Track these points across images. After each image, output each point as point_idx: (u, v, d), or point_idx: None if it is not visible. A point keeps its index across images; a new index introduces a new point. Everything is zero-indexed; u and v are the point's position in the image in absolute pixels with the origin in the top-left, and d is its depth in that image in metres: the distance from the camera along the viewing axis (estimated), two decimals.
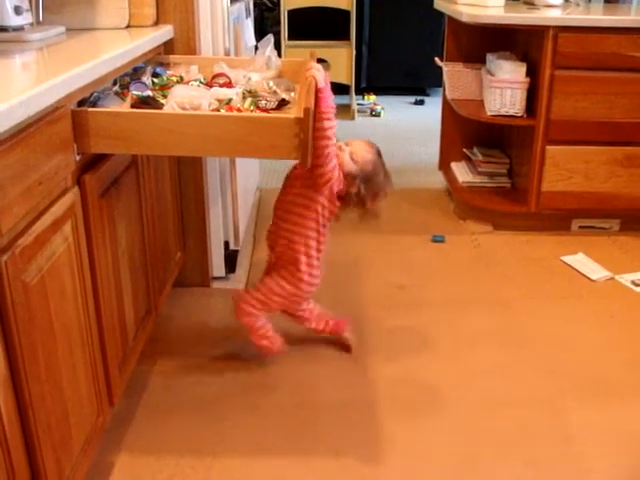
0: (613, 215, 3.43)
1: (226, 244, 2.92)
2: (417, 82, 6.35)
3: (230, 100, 1.90)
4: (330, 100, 2.02)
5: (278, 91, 2.07)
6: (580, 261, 3.15)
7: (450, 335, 2.57)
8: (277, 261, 2.26)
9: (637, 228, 3.44)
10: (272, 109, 1.93)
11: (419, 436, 2.08)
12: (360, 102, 6.05)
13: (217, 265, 2.90)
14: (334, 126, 2.03)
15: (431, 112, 5.59)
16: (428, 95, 6.39)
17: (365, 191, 2.16)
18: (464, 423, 2.14)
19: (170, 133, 1.67)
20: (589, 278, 3.01)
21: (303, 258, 2.19)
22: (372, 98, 6.15)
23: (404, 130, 5.44)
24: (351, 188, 2.15)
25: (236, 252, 2.99)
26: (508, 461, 1.99)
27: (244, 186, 3.14)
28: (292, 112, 1.89)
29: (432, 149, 4.28)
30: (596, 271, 3.06)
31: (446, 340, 2.54)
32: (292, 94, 2.08)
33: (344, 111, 5.84)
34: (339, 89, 5.83)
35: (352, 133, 5.24)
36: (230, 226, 2.94)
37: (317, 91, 1.96)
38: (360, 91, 6.18)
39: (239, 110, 1.88)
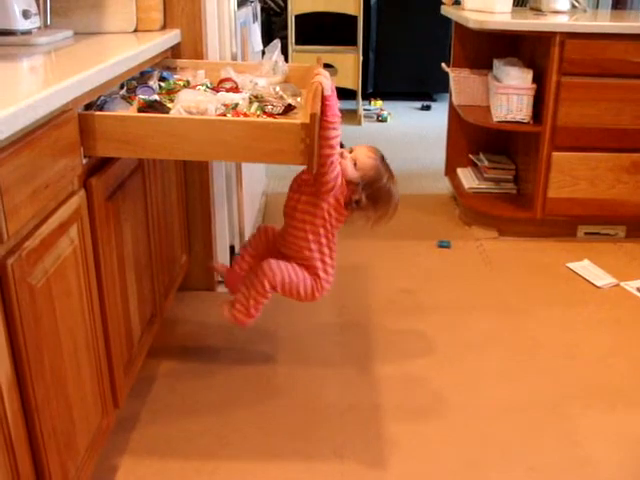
0: (619, 222, 3.43)
1: (231, 248, 2.92)
2: (424, 88, 6.35)
3: (236, 105, 1.91)
4: (336, 108, 2.03)
5: (284, 96, 2.07)
6: (585, 267, 3.15)
7: (455, 340, 2.57)
8: (288, 260, 2.25)
9: None
10: (278, 114, 1.94)
11: (423, 440, 2.08)
12: (367, 107, 6.06)
13: None
14: (339, 135, 2.03)
15: (437, 118, 5.59)
16: (435, 101, 6.40)
17: (368, 197, 2.16)
18: (469, 428, 2.14)
19: (176, 137, 1.68)
20: (594, 285, 3.01)
21: (319, 264, 2.19)
22: (379, 103, 6.16)
23: (410, 135, 5.45)
24: (354, 195, 2.15)
25: None
26: (513, 467, 1.99)
27: (250, 191, 3.15)
28: (298, 117, 1.90)
29: (438, 155, 4.29)
30: (601, 278, 3.05)
31: (451, 345, 2.54)
32: (298, 99, 2.09)
33: (351, 116, 5.85)
34: (346, 94, 5.84)
35: (358, 138, 5.25)
36: (236, 230, 2.94)
37: (324, 99, 1.97)
38: (367, 96, 6.20)
39: (245, 115, 1.88)
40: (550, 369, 2.43)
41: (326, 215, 2.15)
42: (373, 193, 2.16)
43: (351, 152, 2.18)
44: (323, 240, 2.18)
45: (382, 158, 2.22)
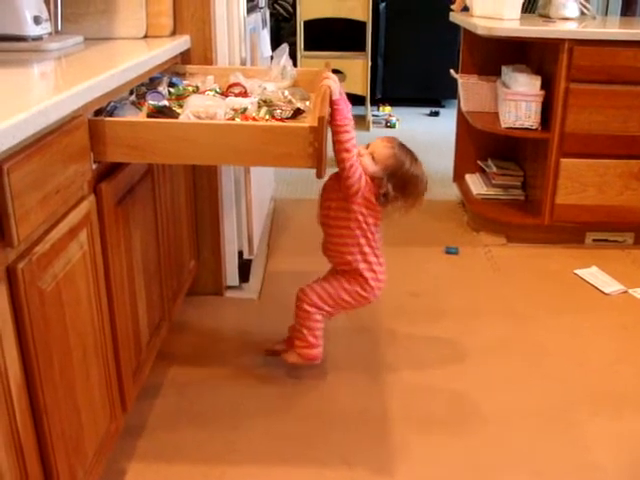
0: (627, 228, 3.42)
1: (240, 253, 2.93)
2: (432, 94, 6.36)
3: (245, 109, 1.92)
4: (346, 111, 2.04)
5: (293, 100, 2.08)
6: (594, 274, 3.14)
7: (463, 346, 2.57)
8: (338, 269, 2.28)
9: None
10: (287, 118, 1.95)
11: (431, 447, 2.08)
12: (375, 113, 6.07)
13: (231, 274, 2.91)
14: (352, 138, 2.04)
15: (446, 124, 5.59)
16: (443, 107, 6.40)
17: (395, 187, 2.16)
18: (477, 434, 2.14)
19: (186, 142, 1.69)
20: (602, 292, 3.00)
21: (362, 265, 2.21)
22: (387, 109, 6.16)
23: (419, 141, 5.39)
24: (380, 189, 2.15)
25: (250, 261, 3.00)
26: (520, 473, 1.98)
27: (259, 195, 3.16)
28: (307, 121, 1.91)
29: (447, 161, 4.29)
30: (609, 284, 3.05)
31: (459, 351, 2.54)
32: (307, 103, 2.10)
33: (359, 122, 5.84)
34: (354, 100, 5.82)
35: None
36: (244, 235, 2.95)
37: (332, 103, 1.98)
38: (375, 102, 6.20)
39: (254, 119, 1.89)
40: (558, 375, 2.43)
41: (359, 217, 2.17)
42: (398, 181, 2.16)
43: (368, 147, 2.18)
44: (362, 241, 2.20)
45: (400, 145, 2.23)
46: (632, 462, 2.03)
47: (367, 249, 2.20)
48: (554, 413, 2.24)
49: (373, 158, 2.16)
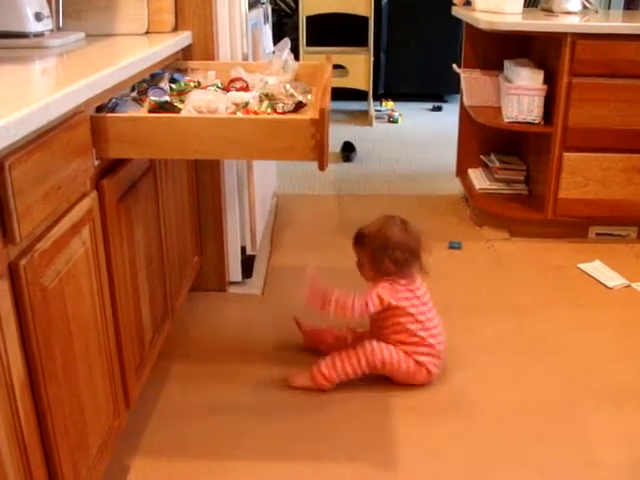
0: (630, 222, 3.42)
1: (243, 249, 2.93)
2: (435, 89, 6.34)
3: (247, 103, 1.91)
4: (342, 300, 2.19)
5: (295, 94, 2.07)
6: (597, 268, 3.14)
7: (466, 341, 2.56)
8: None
9: None
10: (289, 112, 1.94)
11: (434, 441, 2.08)
12: (378, 108, 6.06)
13: (234, 270, 2.91)
14: (345, 301, 2.18)
15: (448, 118, 5.59)
16: (446, 102, 6.39)
17: (392, 261, 2.21)
18: (480, 429, 2.13)
19: (187, 137, 1.69)
20: (606, 286, 3.00)
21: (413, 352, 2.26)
22: (390, 104, 6.15)
23: (421, 136, 5.45)
24: (387, 268, 2.22)
25: (253, 257, 3.00)
26: (523, 469, 1.98)
27: (261, 191, 3.15)
28: (308, 114, 1.90)
29: (449, 155, 4.28)
30: (613, 279, 3.04)
31: (462, 346, 2.53)
32: (309, 97, 2.09)
33: (362, 117, 5.86)
34: (357, 95, 5.85)
35: (369, 139, 5.28)
36: (247, 231, 2.95)
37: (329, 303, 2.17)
38: (378, 97, 6.19)
39: (256, 113, 1.89)
40: (560, 370, 2.42)
41: (398, 311, 2.24)
42: (393, 253, 2.21)
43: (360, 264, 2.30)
44: (403, 336, 2.26)
45: (381, 222, 2.28)
46: (633, 458, 2.03)
47: (415, 338, 2.27)
48: (556, 409, 2.23)
49: (360, 264, 2.28)
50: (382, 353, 2.23)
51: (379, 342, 2.25)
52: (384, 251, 2.21)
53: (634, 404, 2.26)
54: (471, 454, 2.04)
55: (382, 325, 2.28)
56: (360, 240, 2.26)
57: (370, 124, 5.74)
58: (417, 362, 2.24)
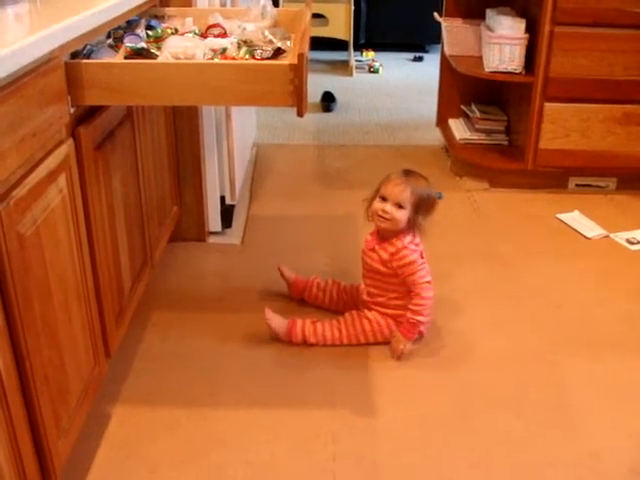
0: (610, 173, 3.43)
1: (222, 199, 2.92)
2: (416, 39, 6.29)
3: (225, 49, 1.88)
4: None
5: (274, 40, 2.04)
6: (576, 219, 3.16)
7: (446, 289, 2.57)
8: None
9: (633, 187, 3.43)
10: (268, 58, 1.91)
11: (413, 388, 2.11)
12: (358, 58, 6.00)
13: (213, 220, 2.90)
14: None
15: (429, 69, 5.56)
16: (427, 52, 6.34)
17: (424, 214, 2.24)
18: (458, 376, 2.16)
19: (164, 83, 1.66)
20: (584, 236, 3.02)
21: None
22: (370, 55, 6.09)
23: (402, 87, 5.41)
24: (416, 227, 2.25)
25: (232, 207, 2.99)
26: (500, 413, 2.01)
27: (241, 141, 3.13)
28: (287, 60, 1.88)
29: (430, 106, 4.26)
30: (591, 229, 3.07)
31: (441, 294, 2.54)
32: (288, 43, 2.06)
33: (342, 67, 5.81)
34: (337, 45, 5.79)
35: (350, 89, 5.24)
36: (226, 181, 2.94)
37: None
38: (358, 47, 6.13)
39: (234, 59, 1.86)
40: (538, 318, 2.45)
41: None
42: (426, 208, 2.24)
43: (385, 200, 2.21)
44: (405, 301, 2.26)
45: (406, 175, 2.26)
46: (610, 401, 2.07)
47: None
48: (534, 355, 2.26)
49: (400, 207, 2.20)
50: (363, 327, 2.28)
51: (365, 317, 2.29)
52: (425, 214, 2.24)
53: (610, 350, 2.30)
54: (451, 400, 2.07)
55: (387, 289, 2.27)
56: (416, 195, 2.23)
57: (350, 74, 5.69)
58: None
